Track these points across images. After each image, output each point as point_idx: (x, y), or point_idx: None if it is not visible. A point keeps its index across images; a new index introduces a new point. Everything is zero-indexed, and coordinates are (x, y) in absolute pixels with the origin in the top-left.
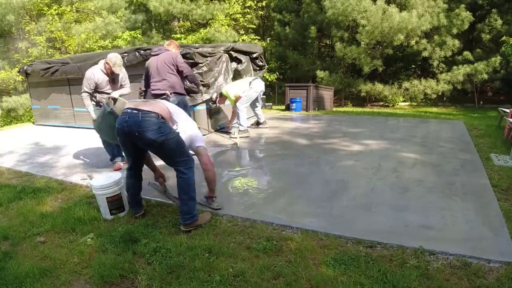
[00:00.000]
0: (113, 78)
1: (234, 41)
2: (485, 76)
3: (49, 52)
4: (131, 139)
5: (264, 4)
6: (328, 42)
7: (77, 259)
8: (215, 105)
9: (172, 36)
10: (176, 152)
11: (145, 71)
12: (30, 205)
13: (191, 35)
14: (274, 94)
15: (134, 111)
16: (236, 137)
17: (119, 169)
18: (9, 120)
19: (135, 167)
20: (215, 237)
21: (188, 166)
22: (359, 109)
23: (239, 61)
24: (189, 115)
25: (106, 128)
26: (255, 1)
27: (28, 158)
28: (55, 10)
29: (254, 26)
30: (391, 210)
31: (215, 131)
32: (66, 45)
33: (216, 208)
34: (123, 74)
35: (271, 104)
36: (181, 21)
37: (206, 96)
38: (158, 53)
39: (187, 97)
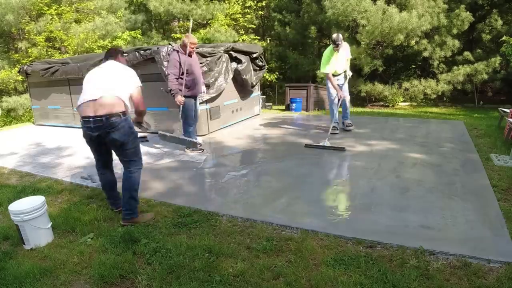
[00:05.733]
0: None
1: (234, 41)
2: (485, 76)
3: (49, 52)
4: (99, 139)
5: (264, 4)
6: (328, 42)
7: (77, 259)
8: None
9: (172, 36)
10: (132, 152)
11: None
12: None
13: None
14: (274, 94)
15: (97, 119)
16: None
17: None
18: (9, 120)
19: (106, 163)
20: (215, 237)
21: (137, 167)
22: (359, 109)
23: (239, 61)
24: (191, 115)
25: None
26: (255, 1)
27: (28, 158)
28: (54, 10)
29: (254, 26)
30: (391, 210)
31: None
32: (66, 45)
33: (146, 127)
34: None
35: (271, 104)
36: (181, 21)
37: (206, 96)
38: None
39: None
